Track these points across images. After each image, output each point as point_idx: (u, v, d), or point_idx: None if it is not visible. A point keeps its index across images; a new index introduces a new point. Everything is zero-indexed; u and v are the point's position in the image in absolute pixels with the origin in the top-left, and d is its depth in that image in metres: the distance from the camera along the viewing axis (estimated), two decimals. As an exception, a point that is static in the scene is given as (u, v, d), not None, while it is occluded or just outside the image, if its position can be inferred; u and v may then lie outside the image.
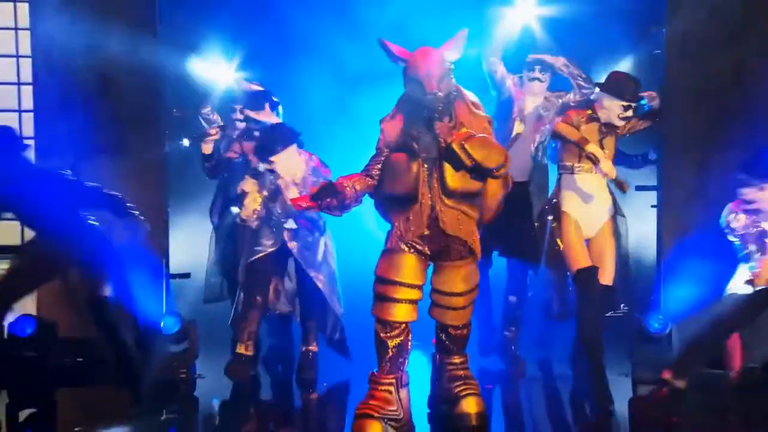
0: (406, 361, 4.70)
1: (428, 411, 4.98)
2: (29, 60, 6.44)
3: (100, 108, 6.21)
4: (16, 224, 6.61)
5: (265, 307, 6.02)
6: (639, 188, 6.17)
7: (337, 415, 5.23)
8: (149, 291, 6.07)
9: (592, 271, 5.42)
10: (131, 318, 5.57)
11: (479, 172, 4.49)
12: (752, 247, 5.38)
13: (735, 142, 6.01)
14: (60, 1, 6.19)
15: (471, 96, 4.72)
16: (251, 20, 6.97)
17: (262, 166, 5.81)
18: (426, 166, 4.56)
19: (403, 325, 4.61)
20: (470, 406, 4.69)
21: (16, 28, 7.05)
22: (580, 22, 6.15)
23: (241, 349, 5.88)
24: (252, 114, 6.15)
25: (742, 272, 5.42)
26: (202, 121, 6.58)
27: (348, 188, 4.58)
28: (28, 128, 6.75)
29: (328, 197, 4.56)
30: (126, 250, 5.27)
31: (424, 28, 6.01)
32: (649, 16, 6.29)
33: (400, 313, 4.58)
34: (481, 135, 4.52)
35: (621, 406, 5.28)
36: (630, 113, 5.55)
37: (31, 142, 6.43)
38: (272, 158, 5.73)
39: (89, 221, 5.16)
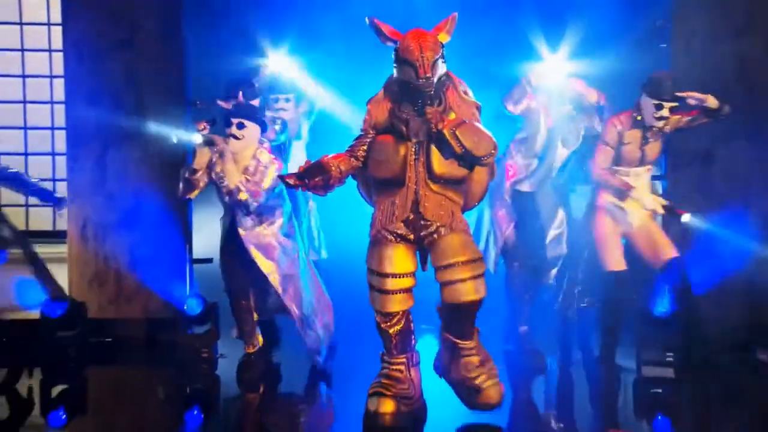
0: (414, 341, 4.69)
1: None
2: (61, 54, 6.61)
3: (127, 99, 6.39)
4: (49, 211, 6.93)
5: (247, 301, 5.70)
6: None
7: (350, 395, 5.14)
8: (173, 275, 6.34)
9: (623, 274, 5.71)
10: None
11: (467, 159, 4.39)
12: None
13: (739, 134, 6.13)
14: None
15: (460, 81, 4.57)
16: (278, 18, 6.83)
17: (233, 129, 5.42)
18: (413, 149, 4.45)
19: (401, 313, 4.56)
20: (493, 395, 4.52)
21: (48, 24, 7.32)
22: (584, 15, 6.03)
23: (249, 348, 5.73)
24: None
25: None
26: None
27: (334, 168, 4.48)
28: (60, 119, 7.03)
29: (316, 176, 4.47)
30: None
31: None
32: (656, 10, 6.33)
33: (396, 303, 4.53)
34: (472, 122, 4.40)
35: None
36: (665, 113, 5.50)
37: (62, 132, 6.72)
38: (245, 124, 5.39)
39: None
